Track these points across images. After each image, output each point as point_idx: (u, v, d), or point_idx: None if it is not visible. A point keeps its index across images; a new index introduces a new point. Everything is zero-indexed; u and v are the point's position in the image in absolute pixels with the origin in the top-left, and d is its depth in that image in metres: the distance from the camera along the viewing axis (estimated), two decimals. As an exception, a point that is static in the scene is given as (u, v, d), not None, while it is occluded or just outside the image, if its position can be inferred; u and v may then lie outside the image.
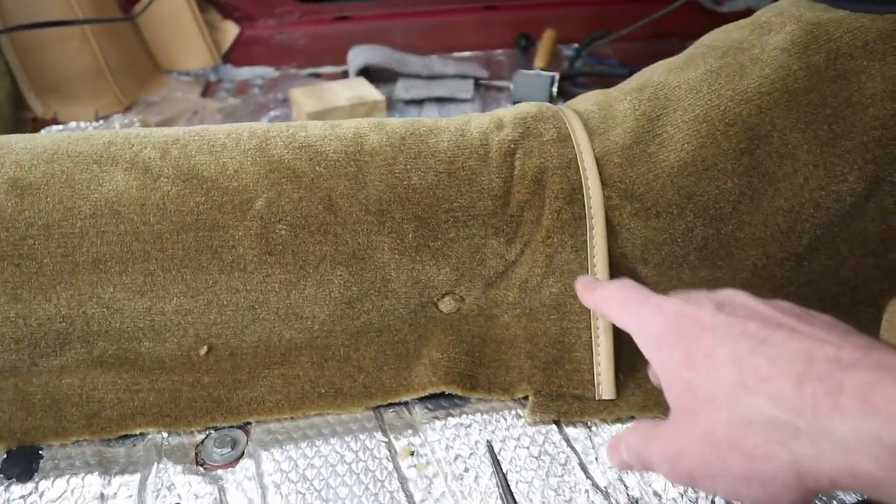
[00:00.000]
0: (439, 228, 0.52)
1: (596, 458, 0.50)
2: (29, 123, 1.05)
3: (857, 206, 0.53)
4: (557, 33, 1.27)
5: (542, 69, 1.15)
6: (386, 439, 0.53)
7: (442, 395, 0.55)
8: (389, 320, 0.56)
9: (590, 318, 0.53)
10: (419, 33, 1.35)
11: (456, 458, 0.51)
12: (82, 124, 1.02)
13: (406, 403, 0.56)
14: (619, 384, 0.53)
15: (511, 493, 0.48)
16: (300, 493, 0.49)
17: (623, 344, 0.53)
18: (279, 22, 1.33)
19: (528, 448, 0.52)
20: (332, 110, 1.02)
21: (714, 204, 0.52)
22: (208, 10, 1.30)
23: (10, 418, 0.53)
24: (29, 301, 0.51)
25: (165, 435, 0.54)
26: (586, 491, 0.48)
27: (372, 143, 0.53)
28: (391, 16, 1.35)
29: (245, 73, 1.31)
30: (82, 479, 0.50)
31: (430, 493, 0.49)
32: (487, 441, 0.52)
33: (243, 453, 0.52)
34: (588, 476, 0.49)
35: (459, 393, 0.55)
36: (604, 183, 0.52)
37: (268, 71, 1.31)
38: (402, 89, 1.15)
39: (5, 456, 0.52)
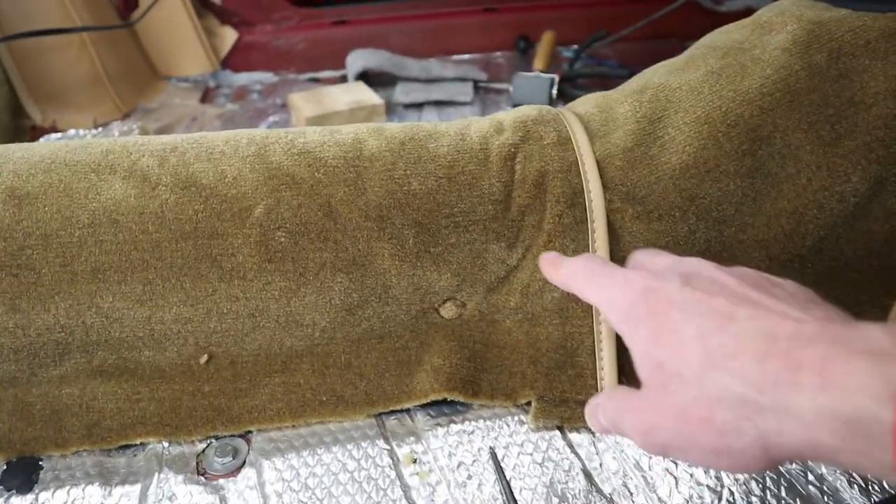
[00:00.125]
0: (440, 234, 0.52)
1: (600, 465, 0.50)
2: (28, 131, 1.05)
3: (861, 207, 0.53)
4: (556, 35, 1.26)
5: (542, 71, 1.15)
6: (388, 447, 0.52)
7: (444, 401, 0.55)
8: (390, 327, 0.55)
9: (592, 322, 0.53)
10: (418, 36, 1.35)
11: (459, 465, 0.51)
12: (81, 132, 1.01)
13: (408, 410, 0.55)
14: (623, 389, 0.53)
15: (515, 501, 0.48)
16: (302, 501, 0.48)
17: (626, 348, 0.52)
18: (277, 27, 1.33)
19: (531, 455, 0.51)
20: (331, 115, 1.01)
21: (716, 206, 0.51)
22: (206, 16, 1.30)
23: (9, 429, 0.53)
24: (27, 311, 0.50)
25: (166, 444, 0.53)
26: (591, 498, 0.48)
27: (371, 149, 0.53)
28: (389, 19, 1.35)
29: (243, 78, 1.31)
30: (83, 489, 0.50)
31: (433, 501, 0.48)
32: (490, 448, 0.52)
33: (245, 462, 0.52)
34: (592, 483, 0.49)
35: (462, 399, 0.54)
36: (605, 186, 0.52)
37: (266, 76, 1.31)
38: (402, 93, 1.15)
39: (5, 467, 0.52)
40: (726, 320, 0.31)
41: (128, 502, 0.49)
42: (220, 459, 0.52)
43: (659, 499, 0.48)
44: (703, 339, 0.31)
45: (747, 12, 0.61)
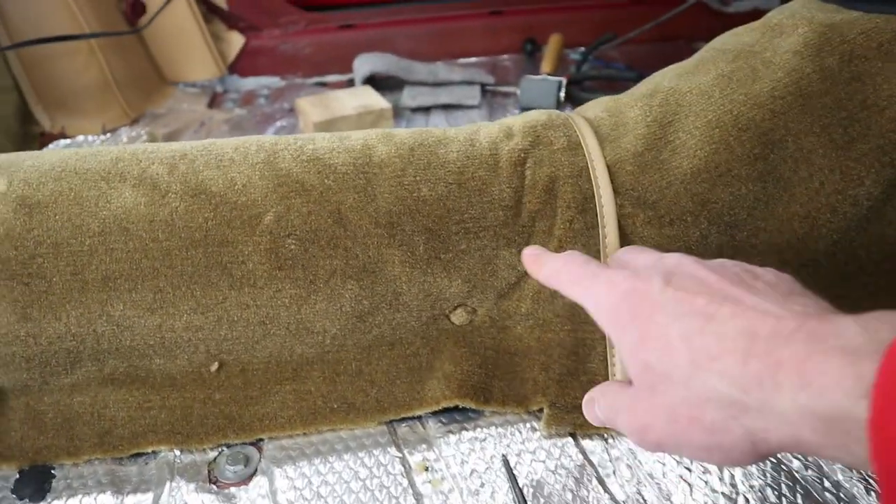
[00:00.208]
0: (450, 240, 0.52)
1: (614, 472, 0.50)
2: (37, 138, 1.06)
3: (875, 211, 0.52)
4: (563, 37, 1.26)
5: (549, 74, 1.15)
6: (400, 454, 0.52)
7: (455, 408, 0.55)
8: (401, 333, 0.55)
9: (605, 328, 0.53)
10: (424, 40, 1.35)
11: (471, 473, 0.50)
12: (90, 138, 1.02)
13: (419, 418, 0.55)
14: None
15: (528, 508, 0.48)
16: (314, 510, 0.48)
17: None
18: (284, 31, 1.33)
19: (544, 462, 0.51)
20: (339, 119, 1.01)
21: (728, 211, 0.51)
22: (213, 22, 1.30)
23: (21, 438, 0.53)
24: (39, 320, 0.50)
25: (178, 453, 0.53)
26: (604, 505, 0.48)
27: (381, 155, 0.53)
28: (396, 23, 1.35)
29: (251, 83, 1.31)
30: (95, 498, 0.50)
31: (445, 509, 0.48)
32: (503, 455, 0.51)
33: (256, 470, 0.52)
34: (606, 490, 0.48)
35: (473, 406, 0.54)
36: (616, 191, 0.51)
37: (273, 81, 1.31)
38: (409, 97, 1.15)
39: (17, 476, 0.52)
40: (708, 320, 0.32)
41: (140, 511, 0.49)
42: (232, 468, 0.51)
43: (673, 506, 0.47)
44: (687, 341, 0.32)
45: (755, 13, 0.61)
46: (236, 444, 0.54)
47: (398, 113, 1.11)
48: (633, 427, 0.35)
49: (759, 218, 0.52)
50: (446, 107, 1.14)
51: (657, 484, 0.49)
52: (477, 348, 0.55)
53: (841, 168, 0.51)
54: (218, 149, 0.54)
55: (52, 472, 0.52)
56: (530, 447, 0.52)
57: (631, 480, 0.49)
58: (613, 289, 0.36)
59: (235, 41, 1.31)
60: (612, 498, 0.48)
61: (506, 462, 0.51)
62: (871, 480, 0.48)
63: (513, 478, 0.50)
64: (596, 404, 0.39)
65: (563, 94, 1.08)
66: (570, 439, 0.52)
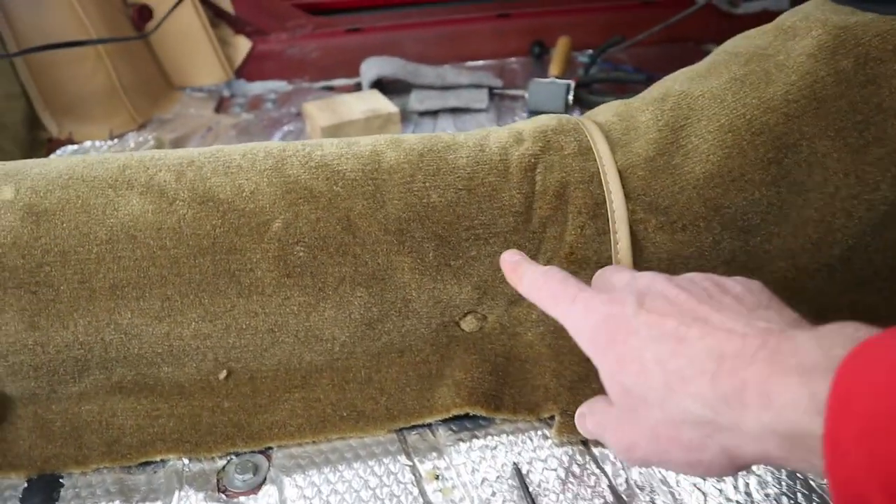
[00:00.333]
0: (460, 247, 0.51)
1: (626, 480, 0.49)
2: (44, 144, 1.06)
3: (891, 215, 0.52)
4: (571, 40, 1.26)
5: (557, 77, 1.14)
6: (410, 463, 0.52)
7: (466, 416, 0.54)
8: (411, 341, 0.55)
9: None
10: (432, 43, 1.34)
11: (483, 481, 0.50)
12: (97, 143, 1.01)
13: (429, 425, 0.55)
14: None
15: (540, 518, 0.47)
16: (324, 520, 0.48)
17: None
18: (291, 35, 1.33)
19: (555, 470, 0.50)
20: (347, 124, 1.01)
21: (742, 216, 0.50)
22: (220, 26, 1.30)
23: (30, 446, 0.53)
24: (46, 328, 0.50)
25: (186, 461, 0.53)
26: (617, 514, 0.47)
27: (389, 161, 0.52)
28: (403, 26, 1.35)
29: (258, 87, 1.31)
30: (103, 508, 0.50)
31: (456, 518, 0.48)
32: (514, 464, 0.51)
33: (265, 479, 0.51)
34: (619, 499, 0.48)
35: (484, 414, 0.53)
36: (628, 196, 0.51)
37: (281, 85, 1.31)
38: (416, 101, 1.14)
39: (26, 485, 0.51)
40: (679, 342, 0.33)
41: (149, 521, 0.48)
42: (241, 476, 0.51)
43: (687, 515, 0.47)
44: (661, 364, 0.33)
45: (764, 15, 0.61)
46: (245, 453, 0.53)
47: (406, 117, 1.11)
48: (619, 445, 0.37)
49: (773, 223, 0.51)
50: (454, 110, 1.14)
51: (670, 492, 0.48)
52: (487, 355, 0.55)
53: (856, 172, 0.50)
54: (225, 155, 0.54)
55: (61, 480, 0.52)
56: (542, 455, 0.52)
57: (644, 489, 0.49)
58: (590, 313, 0.38)
59: (242, 46, 1.31)
60: (626, 507, 0.47)
61: (517, 470, 0.50)
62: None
63: (524, 486, 0.49)
64: (585, 420, 0.41)
65: (571, 98, 1.07)
66: (581, 447, 0.52)
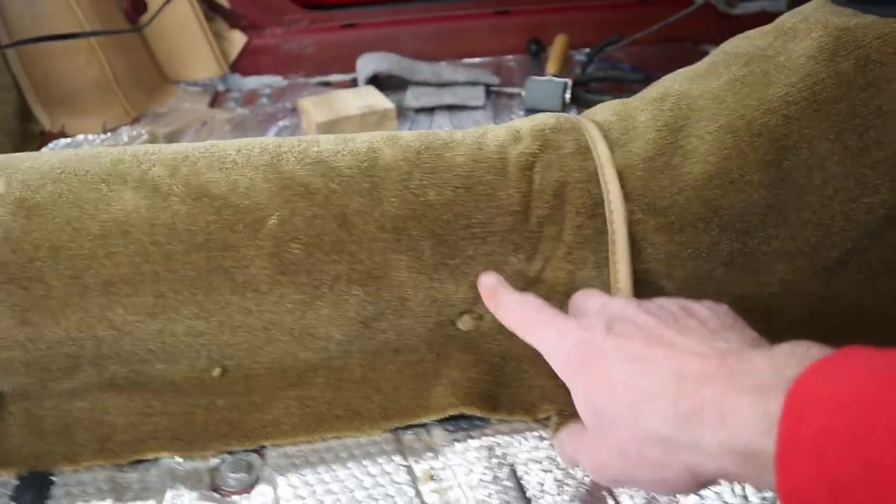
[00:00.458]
0: (457, 245, 0.51)
1: (622, 482, 0.49)
2: (37, 137, 1.05)
3: (890, 219, 0.51)
4: (569, 38, 1.25)
5: (555, 75, 1.14)
6: (406, 463, 0.51)
7: (462, 416, 0.54)
8: (407, 340, 0.54)
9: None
10: (428, 40, 1.34)
11: (478, 482, 0.50)
12: (90, 137, 1.00)
13: (425, 425, 0.55)
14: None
15: (536, 520, 0.47)
16: (318, 520, 0.47)
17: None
18: (287, 30, 1.32)
19: (552, 472, 0.50)
20: (343, 120, 1.00)
21: (740, 217, 0.50)
22: (215, 20, 1.29)
23: (21, 443, 0.52)
24: (38, 324, 0.49)
25: (179, 460, 0.53)
26: (613, 516, 0.47)
27: (386, 158, 0.52)
28: (400, 22, 1.34)
29: (253, 82, 1.30)
30: (95, 506, 0.49)
31: (452, 519, 0.47)
32: (511, 465, 0.51)
33: (259, 478, 0.51)
34: (616, 501, 0.48)
35: (480, 414, 0.53)
36: (626, 197, 0.50)
37: (276, 80, 1.30)
38: (412, 97, 1.14)
39: (17, 482, 0.51)
40: (645, 364, 0.35)
41: (141, 520, 0.48)
42: (234, 475, 0.51)
43: (683, 518, 0.47)
44: (627, 386, 0.35)
45: (762, 15, 0.61)
46: (239, 451, 0.53)
47: (402, 113, 1.10)
48: (592, 466, 0.39)
49: (772, 225, 0.51)
50: (450, 107, 1.14)
51: (668, 495, 0.48)
52: (484, 355, 0.54)
53: (856, 175, 0.50)
54: (220, 151, 0.53)
55: (52, 478, 0.51)
56: (538, 456, 0.51)
57: (640, 490, 0.48)
58: (563, 338, 0.40)
59: (237, 40, 1.30)
60: (622, 509, 0.47)
61: (513, 472, 0.50)
62: None
63: (520, 488, 0.49)
64: (563, 445, 0.43)
65: (568, 96, 1.07)
66: (577, 448, 0.52)
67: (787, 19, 0.55)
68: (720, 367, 0.32)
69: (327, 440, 0.54)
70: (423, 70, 1.19)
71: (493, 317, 0.54)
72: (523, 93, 1.10)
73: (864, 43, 0.50)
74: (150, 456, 0.52)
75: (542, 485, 0.49)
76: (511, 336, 0.54)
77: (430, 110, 1.13)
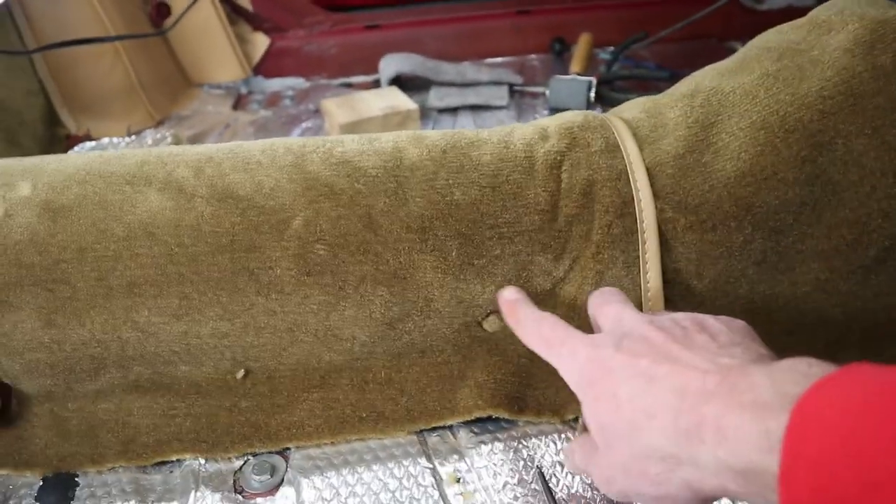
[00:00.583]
0: (484, 245, 0.50)
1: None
2: (63, 141, 1.05)
3: None
4: (593, 37, 1.24)
5: (579, 74, 1.13)
6: (431, 465, 0.51)
7: (488, 417, 0.53)
8: (432, 341, 0.54)
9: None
10: (451, 40, 1.33)
11: (505, 485, 0.49)
12: (115, 140, 1.01)
13: (450, 427, 0.54)
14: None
15: (565, 525, 0.46)
16: (343, 524, 0.47)
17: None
18: (309, 32, 1.32)
19: (580, 474, 0.49)
20: (365, 121, 1.00)
21: (774, 215, 0.49)
22: (238, 23, 1.29)
23: (45, 444, 0.52)
24: (63, 326, 0.49)
25: (202, 461, 0.52)
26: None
27: (412, 158, 0.51)
28: (422, 23, 1.34)
29: (276, 84, 1.30)
30: (119, 508, 0.49)
31: (479, 523, 0.47)
32: (538, 467, 0.50)
33: (283, 480, 0.50)
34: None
35: (507, 416, 0.52)
36: (656, 195, 0.49)
37: (299, 82, 1.30)
38: (436, 98, 1.13)
39: (41, 483, 0.51)
40: (649, 381, 0.35)
41: (165, 522, 0.48)
42: (258, 477, 0.50)
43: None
44: (632, 402, 0.35)
45: (788, 11, 0.59)
46: (262, 453, 0.53)
47: (425, 114, 1.10)
48: (600, 480, 0.39)
49: (806, 223, 0.50)
50: (474, 107, 1.13)
51: None
52: (510, 356, 0.53)
53: (894, 171, 0.48)
54: (245, 151, 0.53)
55: (76, 479, 0.51)
56: (567, 458, 0.50)
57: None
58: (576, 356, 0.40)
59: (260, 42, 1.30)
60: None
61: (541, 474, 0.49)
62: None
63: (548, 491, 0.48)
64: (573, 454, 0.43)
65: (593, 95, 1.06)
66: (607, 452, 0.51)
67: (820, 12, 0.54)
68: (721, 383, 0.32)
69: (351, 442, 0.53)
70: (447, 70, 1.19)
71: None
72: (547, 92, 1.09)
73: None
74: (173, 457, 0.52)
75: (571, 488, 0.48)
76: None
77: (454, 110, 1.12)
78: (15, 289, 0.48)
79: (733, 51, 0.58)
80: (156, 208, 0.49)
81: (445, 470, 0.50)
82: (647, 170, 0.50)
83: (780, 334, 0.53)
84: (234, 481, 0.51)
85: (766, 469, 0.28)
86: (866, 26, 0.49)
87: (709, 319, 0.39)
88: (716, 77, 0.54)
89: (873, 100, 0.48)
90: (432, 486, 0.49)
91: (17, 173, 0.51)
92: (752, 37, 0.58)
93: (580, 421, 0.51)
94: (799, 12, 0.57)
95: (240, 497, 0.50)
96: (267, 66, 1.30)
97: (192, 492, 0.50)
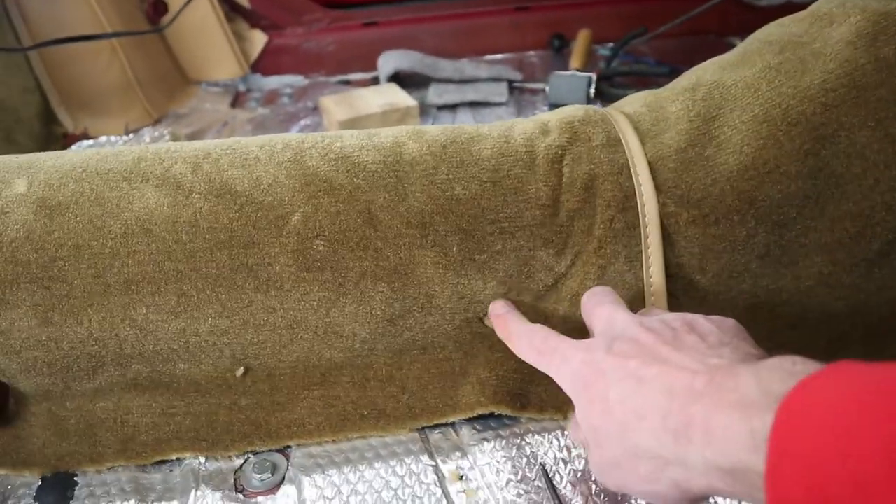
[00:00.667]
0: (485, 241, 0.50)
1: (657, 482, 0.48)
2: (60, 139, 1.05)
3: None
4: (592, 33, 1.24)
5: (578, 70, 1.12)
6: (433, 463, 0.50)
7: (490, 414, 0.53)
8: (433, 337, 0.53)
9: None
10: (449, 37, 1.33)
11: (508, 482, 0.48)
12: (112, 138, 1.01)
13: (452, 424, 0.54)
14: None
15: (568, 522, 0.46)
16: (345, 522, 0.46)
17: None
18: (307, 29, 1.31)
19: (583, 471, 0.49)
20: (364, 118, 1.00)
21: (777, 209, 0.49)
22: (236, 20, 1.29)
23: (43, 444, 0.52)
24: (60, 324, 0.49)
25: (202, 460, 0.52)
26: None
27: (412, 153, 0.51)
28: (420, 20, 1.33)
29: (274, 82, 1.29)
30: (118, 507, 0.49)
31: (481, 521, 0.46)
32: (541, 464, 0.49)
33: (284, 479, 0.50)
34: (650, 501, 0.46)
35: (510, 413, 0.52)
36: (658, 189, 0.49)
37: (297, 79, 1.30)
38: (435, 94, 1.13)
39: (40, 483, 0.51)
40: (639, 382, 0.35)
41: (164, 521, 0.47)
42: (259, 476, 0.50)
43: (721, 520, 0.45)
44: (623, 404, 0.36)
45: (787, 7, 0.59)
46: (263, 452, 0.52)
47: (424, 111, 1.09)
48: (596, 470, 0.40)
49: (809, 216, 0.49)
50: (473, 104, 1.12)
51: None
52: (513, 353, 0.53)
53: None
54: (243, 147, 0.52)
55: (75, 479, 0.51)
56: (570, 455, 0.50)
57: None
58: (568, 362, 0.41)
59: (258, 40, 1.29)
60: (657, 511, 0.46)
61: (544, 471, 0.49)
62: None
63: (552, 488, 0.48)
64: (579, 430, 0.43)
65: (593, 91, 1.05)
66: (610, 448, 0.50)
67: (822, 5, 0.53)
68: (708, 383, 0.32)
69: (352, 440, 0.53)
70: (445, 67, 1.18)
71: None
72: (547, 88, 1.08)
73: None
74: (173, 456, 0.52)
75: (574, 484, 0.48)
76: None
77: (453, 107, 1.12)
78: (11, 286, 0.48)
79: (732, 46, 0.57)
80: (153, 205, 0.49)
81: (448, 467, 0.50)
82: (649, 164, 0.49)
83: (784, 329, 0.53)
84: (235, 480, 0.50)
85: (752, 468, 0.29)
86: (869, 18, 0.49)
87: (699, 320, 0.39)
88: (717, 71, 0.53)
89: (876, 92, 0.48)
90: (435, 483, 0.49)
91: (12, 170, 0.51)
92: (750, 33, 0.57)
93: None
94: (797, 8, 0.56)
95: (240, 496, 0.49)
96: (265, 64, 1.30)
97: (193, 491, 0.49)
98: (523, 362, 0.52)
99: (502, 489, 0.48)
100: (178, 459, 0.52)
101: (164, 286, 0.49)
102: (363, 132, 0.54)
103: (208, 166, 0.51)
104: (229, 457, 0.52)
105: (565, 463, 0.50)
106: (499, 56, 1.34)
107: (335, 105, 1.03)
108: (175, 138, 1.02)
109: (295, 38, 1.31)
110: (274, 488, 0.49)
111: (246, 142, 0.54)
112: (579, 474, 0.49)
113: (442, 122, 1.08)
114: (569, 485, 0.48)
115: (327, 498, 0.48)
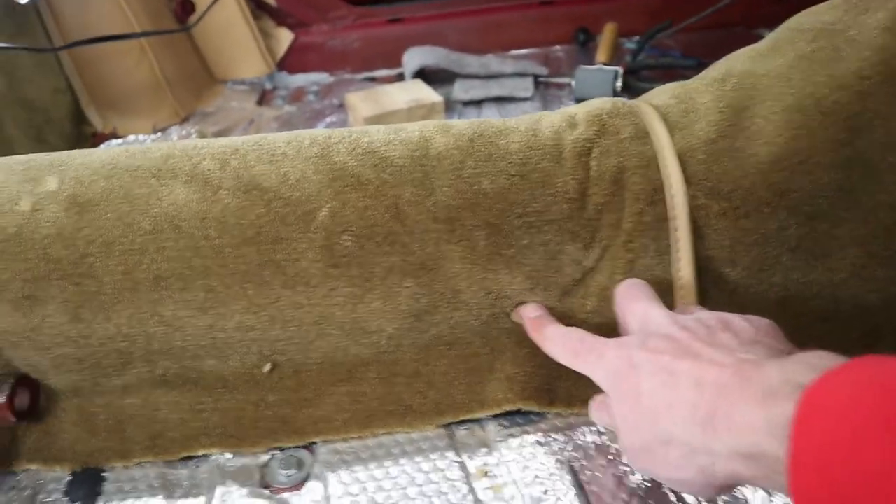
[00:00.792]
0: (512, 235, 0.49)
1: (688, 479, 0.47)
2: (89, 138, 1.06)
3: None
4: (618, 26, 1.23)
5: (605, 64, 1.11)
6: (459, 459, 0.50)
7: (517, 410, 0.53)
8: (460, 333, 0.53)
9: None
10: (474, 32, 1.32)
11: (534, 478, 0.48)
12: (141, 137, 1.02)
13: (478, 420, 0.53)
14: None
15: (597, 518, 0.45)
16: (372, 518, 0.46)
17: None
18: (333, 27, 1.32)
19: (611, 468, 0.48)
20: (390, 114, 1.00)
21: (809, 200, 0.48)
22: (262, 18, 1.30)
23: (74, 440, 0.52)
24: (90, 321, 0.49)
25: (229, 456, 0.52)
26: (679, 515, 0.45)
27: (438, 147, 0.50)
28: (445, 16, 1.33)
29: (300, 79, 1.30)
30: (146, 502, 0.49)
31: (509, 518, 0.46)
32: (568, 460, 0.49)
33: (309, 475, 0.50)
34: (678, 497, 0.46)
35: (537, 409, 0.52)
36: (688, 181, 0.48)
37: (322, 77, 1.30)
38: (461, 90, 1.13)
39: (70, 478, 0.51)
40: (670, 375, 0.37)
41: (192, 516, 0.48)
42: (285, 472, 0.50)
43: (753, 517, 0.45)
44: (654, 396, 0.37)
45: (814, -1, 0.58)
46: (289, 448, 0.52)
47: (450, 106, 1.09)
48: (627, 453, 0.40)
49: (843, 208, 0.48)
50: (498, 99, 1.12)
51: (732, 492, 0.46)
52: (540, 348, 0.53)
53: None
54: (270, 143, 0.52)
55: (104, 474, 0.51)
56: (596, 452, 0.49)
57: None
58: (604, 360, 0.42)
59: (284, 38, 1.30)
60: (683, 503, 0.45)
61: (571, 467, 0.48)
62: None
63: (579, 484, 0.47)
64: (604, 414, 0.44)
65: (619, 84, 1.04)
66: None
67: (856, -8, 0.52)
68: (735, 374, 0.33)
69: (378, 436, 0.53)
70: (471, 62, 1.18)
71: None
72: (573, 82, 1.08)
73: None
74: (200, 452, 0.52)
75: (601, 481, 0.47)
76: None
77: (478, 103, 1.12)
78: (42, 283, 0.48)
79: (761, 38, 0.56)
80: (181, 201, 0.49)
81: (474, 464, 0.50)
82: (679, 156, 0.49)
83: (815, 322, 0.52)
84: (261, 476, 0.51)
85: (771, 453, 0.30)
86: (906, 4, 0.48)
87: (735, 318, 0.40)
88: (747, 61, 0.52)
89: None
90: (461, 479, 0.49)
91: (43, 168, 0.51)
92: (779, 24, 0.56)
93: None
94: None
95: (266, 492, 0.49)
96: (291, 62, 1.30)
97: (219, 486, 0.49)
98: (550, 357, 0.51)
99: (528, 485, 0.48)
100: (204, 455, 0.52)
101: (192, 282, 0.49)
102: (390, 127, 0.54)
103: (236, 162, 0.51)
104: (256, 453, 0.52)
105: (592, 459, 0.49)
106: (524, 51, 1.33)
107: (361, 102, 1.03)
108: (202, 136, 1.02)
109: (321, 35, 1.31)
110: (299, 484, 0.49)
111: (273, 138, 0.54)
112: (606, 471, 0.48)
113: (467, 117, 1.07)
114: (595, 481, 0.48)
115: (352, 494, 0.48)
